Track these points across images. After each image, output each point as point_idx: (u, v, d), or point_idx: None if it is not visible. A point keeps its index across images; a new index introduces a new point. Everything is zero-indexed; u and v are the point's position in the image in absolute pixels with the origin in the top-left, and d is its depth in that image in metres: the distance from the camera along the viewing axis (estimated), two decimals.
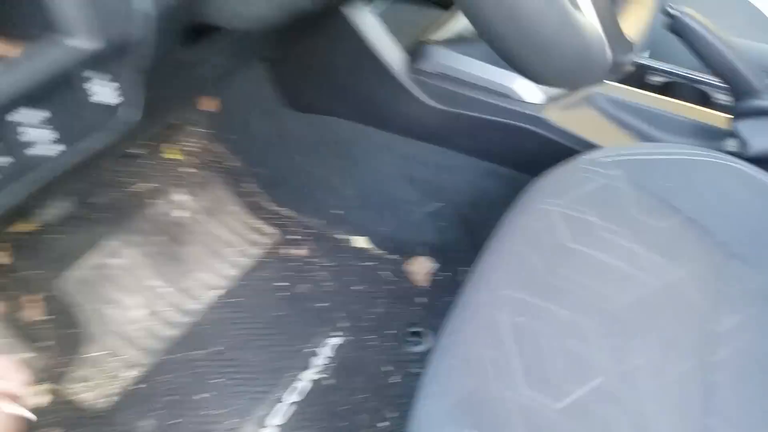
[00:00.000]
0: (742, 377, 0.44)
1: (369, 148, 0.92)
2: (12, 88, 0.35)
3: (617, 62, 0.37)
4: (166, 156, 1.03)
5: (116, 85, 0.44)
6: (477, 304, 0.47)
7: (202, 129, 1.06)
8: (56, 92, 0.38)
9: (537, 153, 0.75)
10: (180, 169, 1.02)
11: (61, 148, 0.41)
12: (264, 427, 0.72)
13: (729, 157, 0.57)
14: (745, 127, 0.62)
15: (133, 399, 0.75)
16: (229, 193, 1.02)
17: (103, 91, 0.43)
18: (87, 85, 0.40)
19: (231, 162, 1.05)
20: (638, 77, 0.80)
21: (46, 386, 0.76)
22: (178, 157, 1.04)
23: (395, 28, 0.82)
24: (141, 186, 0.98)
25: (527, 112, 0.75)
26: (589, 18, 0.35)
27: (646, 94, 0.73)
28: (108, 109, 0.44)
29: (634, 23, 0.41)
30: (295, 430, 0.72)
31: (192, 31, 0.52)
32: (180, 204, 0.99)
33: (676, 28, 0.59)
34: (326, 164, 0.97)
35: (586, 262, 0.49)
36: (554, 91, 0.75)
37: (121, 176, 0.97)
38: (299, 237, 0.97)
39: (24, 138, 0.38)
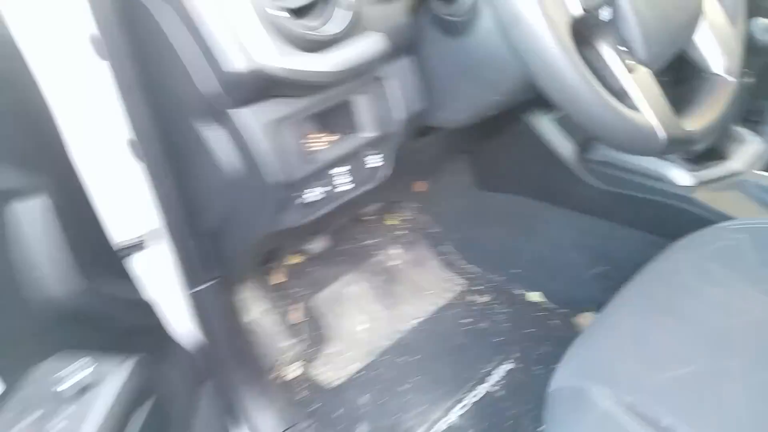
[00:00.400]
0: None
1: (545, 220, 1.15)
2: (334, 156, 0.70)
3: (674, 142, 0.56)
4: (387, 222, 1.39)
5: (381, 156, 0.77)
6: (609, 315, 0.66)
7: (414, 204, 1.41)
8: (352, 158, 0.72)
9: (688, 227, 0.90)
10: (396, 232, 1.37)
11: (352, 186, 0.75)
12: (447, 415, 0.94)
13: None
14: None
15: (354, 383, 1.04)
16: (430, 252, 1.33)
17: (374, 159, 0.76)
18: (367, 156, 0.74)
19: (433, 229, 1.37)
20: None
21: (300, 364, 1.10)
22: (395, 223, 1.39)
23: (569, 128, 1.07)
24: (369, 241, 1.34)
25: (679, 193, 0.92)
26: (643, 113, 0.55)
27: None
28: (376, 169, 0.77)
29: (698, 120, 0.59)
30: (470, 421, 0.93)
31: (420, 130, 0.85)
32: (394, 256, 1.32)
33: None
34: (508, 232, 1.22)
35: (701, 294, 0.65)
36: (704, 175, 0.91)
37: (357, 234, 1.35)
38: (483, 288, 1.22)
39: (337, 181, 0.73)
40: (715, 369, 0.58)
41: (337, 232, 1.32)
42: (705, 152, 0.94)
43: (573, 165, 1.06)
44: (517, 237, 1.21)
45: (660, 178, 0.95)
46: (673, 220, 0.92)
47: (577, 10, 0.54)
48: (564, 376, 0.62)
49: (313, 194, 0.71)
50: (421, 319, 1.16)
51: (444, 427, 0.93)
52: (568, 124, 1.11)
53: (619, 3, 0.56)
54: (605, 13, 0.56)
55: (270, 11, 0.52)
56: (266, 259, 0.92)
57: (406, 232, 1.38)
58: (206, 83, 0.55)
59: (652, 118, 0.56)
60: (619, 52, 0.57)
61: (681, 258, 0.72)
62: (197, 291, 0.84)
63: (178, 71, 0.55)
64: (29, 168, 0.47)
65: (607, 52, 0.57)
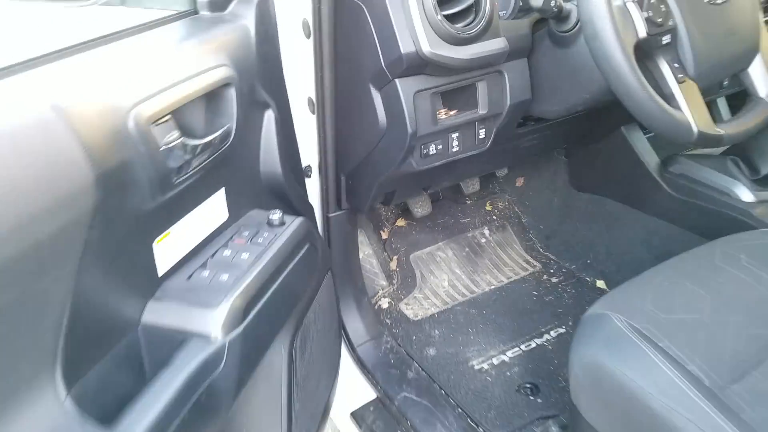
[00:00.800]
0: None
1: (622, 221, 1.31)
2: (453, 124, 0.94)
3: (704, 138, 0.72)
4: (485, 207, 1.61)
5: (485, 130, 1.00)
6: (645, 276, 0.83)
7: (510, 196, 1.62)
8: (465, 128, 0.96)
9: None
10: (490, 216, 1.59)
11: (460, 149, 0.98)
12: (503, 355, 1.15)
13: None
14: None
15: (430, 320, 1.28)
16: (514, 237, 1.53)
17: (481, 132, 1.00)
18: (476, 129, 0.97)
19: (521, 218, 1.56)
20: None
21: (388, 300, 1.36)
22: (490, 208, 1.61)
23: (656, 143, 1.23)
24: (465, 220, 1.57)
25: (741, 207, 1.05)
26: (682, 109, 0.72)
27: None
28: (481, 140, 1.00)
29: (732, 128, 0.74)
30: (518, 361, 1.13)
31: (522, 119, 1.06)
32: (483, 234, 1.54)
33: None
34: (588, 228, 1.39)
35: (724, 271, 0.80)
36: (766, 195, 1.03)
37: (456, 213, 1.58)
38: (554, 271, 1.40)
39: (451, 142, 0.97)
40: (715, 320, 0.75)
41: (440, 208, 1.57)
42: None
43: (655, 175, 1.22)
44: (595, 233, 1.37)
45: (727, 193, 1.08)
46: (731, 230, 1.05)
47: (642, 33, 0.73)
48: (594, 309, 0.81)
49: (432, 148, 0.96)
50: (495, 286, 1.37)
51: (496, 362, 1.14)
52: (656, 140, 1.26)
53: (678, 33, 0.74)
54: (666, 38, 0.74)
55: (436, 17, 0.78)
56: (384, 200, 1.17)
57: (498, 217, 1.59)
58: (387, 59, 0.83)
59: (690, 117, 0.73)
60: (672, 67, 0.75)
61: (718, 247, 0.87)
62: (331, 216, 1.12)
63: (371, 49, 0.83)
64: (270, 94, 0.77)
65: (663, 65, 0.75)
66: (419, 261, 1.46)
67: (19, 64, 0.52)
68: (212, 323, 0.58)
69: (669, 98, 0.74)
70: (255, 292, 0.64)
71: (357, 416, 1.10)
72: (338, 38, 0.88)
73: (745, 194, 1.05)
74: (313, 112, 0.98)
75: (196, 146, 0.58)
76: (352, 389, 1.16)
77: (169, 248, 0.61)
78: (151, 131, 0.52)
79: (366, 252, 1.42)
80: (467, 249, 1.50)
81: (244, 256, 0.66)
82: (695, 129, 0.73)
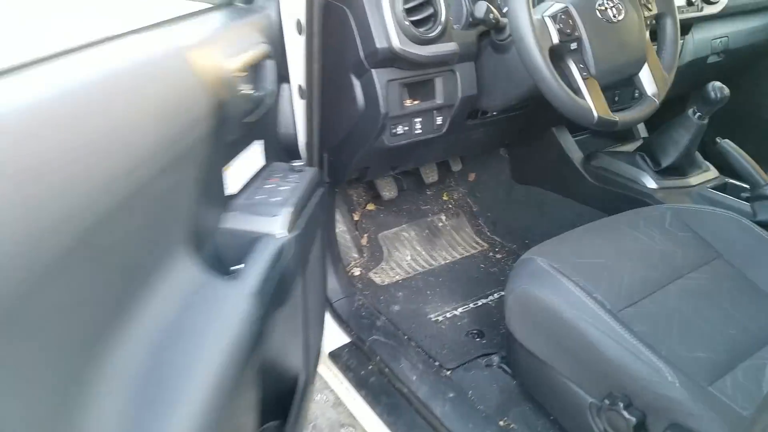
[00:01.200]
0: (687, 299, 0.95)
1: (554, 207, 1.58)
2: (416, 110, 1.17)
3: (602, 122, 0.99)
4: (442, 197, 1.86)
5: (442, 117, 1.24)
6: (567, 234, 1.08)
7: (464, 189, 1.87)
8: (426, 114, 1.19)
9: None
10: (446, 205, 1.83)
11: (422, 131, 1.21)
12: (455, 310, 1.38)
13: (736, 215, 1.08)
14: (755, 205, 1.11)
15: (395, 285, 1.50)
16: (467, 222, 1.78)
17: (438, 118, 1.23)
18: (435, 116, 1.20)
19: (473, 207, 1.82)
20: (730, 191, 1.31)
21: (359, 269, 1.56)
22: (447, 198, 1.86)
23: (581, 142, 1.51)
24: (425, 207, 1.81)
25: (647, 192, 1.33)
26: (585, 98, 0.98)
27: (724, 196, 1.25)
28: (438, 125, 1.24)
29: (624, 116, 1.01)
30: (466, 314, 1.36)
31: (470, 113, 1.31)
32: (440, 220, 1.78)
33: (718, 151, 1.15)
34: (527, 214, 1.66)
35: (626, 232, 1.06)
36: (666, 184, 1.33)
37: (418, 201, 1.82)
38: (499, 250, 1.65)
39: (414, 125, 1.20)
40: (615, 264, 1.01)
41: (405, 196, 1.80)
42: (671, 170, 1.35)
43: (580, 168, 1.50)
44: (532, 218, 1.64)
45: (636, 181, 1.37)
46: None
47: (555, 40, 0.99)
48: (524, 255, 1.05)
49: (399, 129, 1.18)
50: (450, 260, 1.61)
51: (449, 315, 1.37)
52: (581, 140, 1.55)
53: (583, 41, 1.01)
54: (573, 45, 1.01)
55: (404, 21, 1.02)
56: (358, 176, 1.38)
57: (453, 206, 1.84)
58: (365, 51, 1.05)
59: (591, 105, 0.99)
60: (578, 67, 1.01)
61: (624, 217, 1.14)
62: None
63: (352, 44, 1.05)
64: (282, 74, 0.98)
65: (572, 65, 1.01)
66: (386, 239, 1.68)
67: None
68: (277, 226, 0.79)
69: (576, 90, 1.00)
70: (298, 210, 0.84)
71: (334, 356, 1.30)
72: (326, 35, 1.09)
73: (650, 182, 1.34)
74: (302, 98, 1.19)
75: (257, 97, 0.79)
76: (330, 336, 1.35)
77: (233, 175, 0.81)
78: (236, 80, 0.72)
79: (340, 229, 1.63)
80: (427, 231, 1.73)
81: (285, 187, 0.87)
82: (595, 114, 0.99)
